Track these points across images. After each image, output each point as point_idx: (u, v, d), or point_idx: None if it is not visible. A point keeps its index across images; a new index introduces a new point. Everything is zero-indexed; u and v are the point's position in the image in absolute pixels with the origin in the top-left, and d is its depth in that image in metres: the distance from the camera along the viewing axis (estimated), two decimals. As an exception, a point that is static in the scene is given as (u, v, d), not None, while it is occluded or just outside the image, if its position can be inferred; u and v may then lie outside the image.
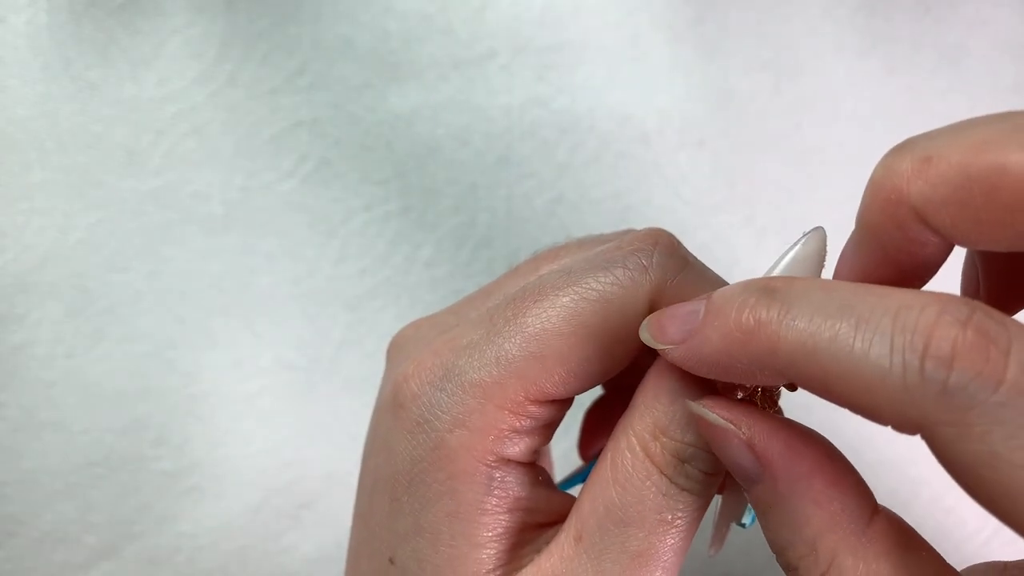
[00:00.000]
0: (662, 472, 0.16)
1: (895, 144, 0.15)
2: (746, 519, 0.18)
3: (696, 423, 0.15)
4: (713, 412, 0.14)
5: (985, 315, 0.11)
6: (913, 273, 0.15)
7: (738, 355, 0.13)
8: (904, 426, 0.12)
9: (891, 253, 0.15)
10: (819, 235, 0.16)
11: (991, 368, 0.11)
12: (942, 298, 0.12)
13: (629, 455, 0.16)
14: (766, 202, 0.38)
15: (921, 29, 0.40)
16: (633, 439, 0.16)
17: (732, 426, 0.14)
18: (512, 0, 0.39)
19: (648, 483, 0.15)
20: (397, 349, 0.20)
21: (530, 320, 0.16)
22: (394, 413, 0.17)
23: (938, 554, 0.14)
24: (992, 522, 0.36)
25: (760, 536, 0.16)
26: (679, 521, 0.16)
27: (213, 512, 0.34)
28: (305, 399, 0.35)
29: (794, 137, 0.39)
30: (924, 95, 0.40)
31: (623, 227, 0.38)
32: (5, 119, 0.35)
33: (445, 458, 0.16)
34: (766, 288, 0.13)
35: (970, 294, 0.18)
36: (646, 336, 0.15)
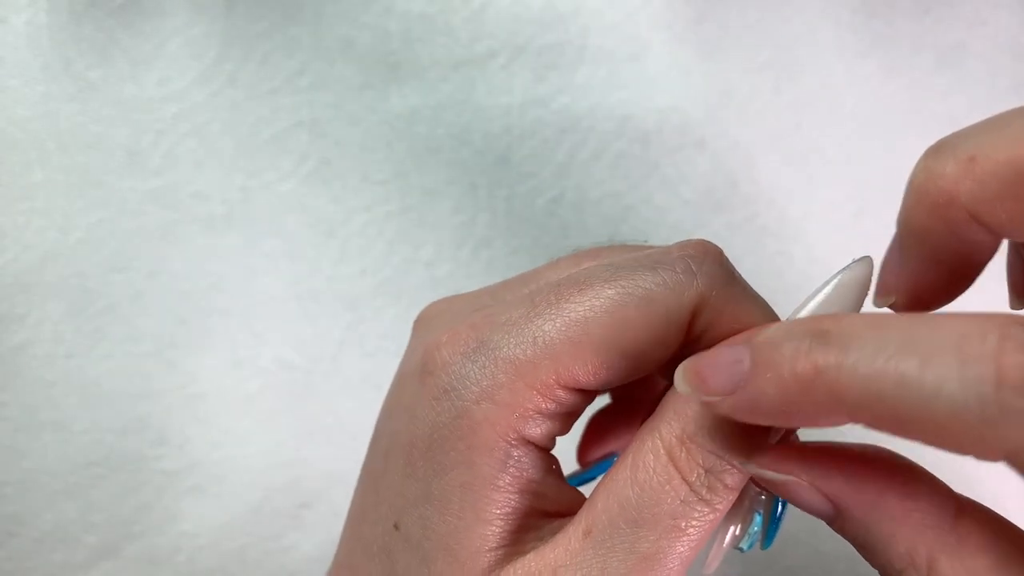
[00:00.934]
0: (684, 479, 0.16)
1: (929, 147, 0.15)
2: (744, 544, 0.18)
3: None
4: (771, 471, 0.14)
5: None
6: (963, 273, 0.16)
7: (800, 404, 0.13)
8: (988, 455, 0.12)
9: (942, 256, 0.15)
10: (866, 264, 0.16)
11: None
12: (997, 321, 0.12)
13: (652, 457, 0.16)
14: (766, 202, 0.38)
15: (920, 29, 0.40)
16: (659, 442, 0.16)
17: (792, 477, 0.14)
18: (512, 0, 0.39)
19: (668, 487, 0.16)
20: (427, 320, 0.20)
21: (573, 306, 0.16)
22: (421, 379, 0.18)
23: None
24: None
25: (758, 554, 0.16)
26: (692, 530, 0.16)
27: (213, 512, 0.34)
28: (305, 399, 0.35)
29: (794, 137, 0.39)
30: (923, 95, 0.40)
31: (623, 227, 0.38)
32: (5, 119, 0.35)
33: (467, 428, 0.16)
34: (817, 332, 0.13)
35: (1019, 286, 0.18)
36: (684, 387, 0.15)
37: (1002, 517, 0.14)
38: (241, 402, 0.35)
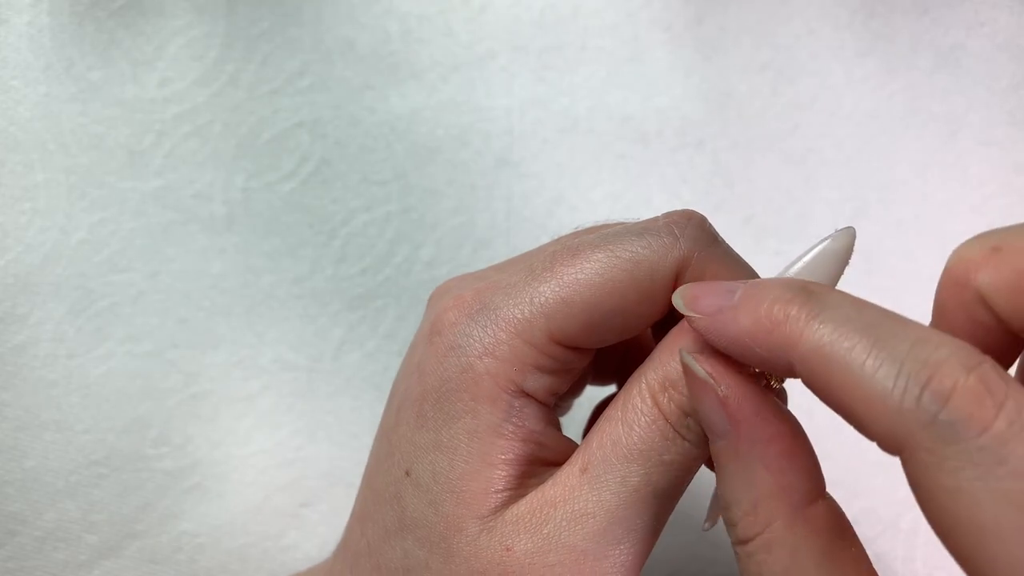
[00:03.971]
0: (667, 420, 0.17)
1: (971, 238, 0.15)
2: None
3: (684, 372, 0.16)
4: (699, 365, 0.16)
5: (991, 368, 0.12)
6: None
7: (759, 341, 0.14)
8: (888, 443, 0.13)
9: (958, 335, 0.15)
10: (849, 233, 0.17)
11: (981, 414, 0.12)
12: (958, 343, 0.13)
13: (639, 400, 0.17)
14: (765, 202, 0.38)
15: (919, 30, 0.40)
16: (644, 387, 0.17)
17: (712, 381, 0.15)
18: (512, 1, 0.39)
19: (654, 427, 0.17)
20: (439, 294, 0.21)
21: (565, 270, 0.18)
22: (430, 339, 0.19)
23: (866, 554, 0.15)
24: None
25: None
26: (676, 465, 0.17)
27: (214, 511, 0.34)
28: (306, 398, 0.35)
29: (793, 137, 0.39)
30: (922, 95, 0.40)
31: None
32: (7, 120, 0.35)
33: (471, 381, 0.18)
34: (804, 289, 0.14)
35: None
36: (678, 301, 0.16)
37: (850, 526, 0.15)
38: (242, 402, 0.35)
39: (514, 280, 0.18)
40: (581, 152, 0.38)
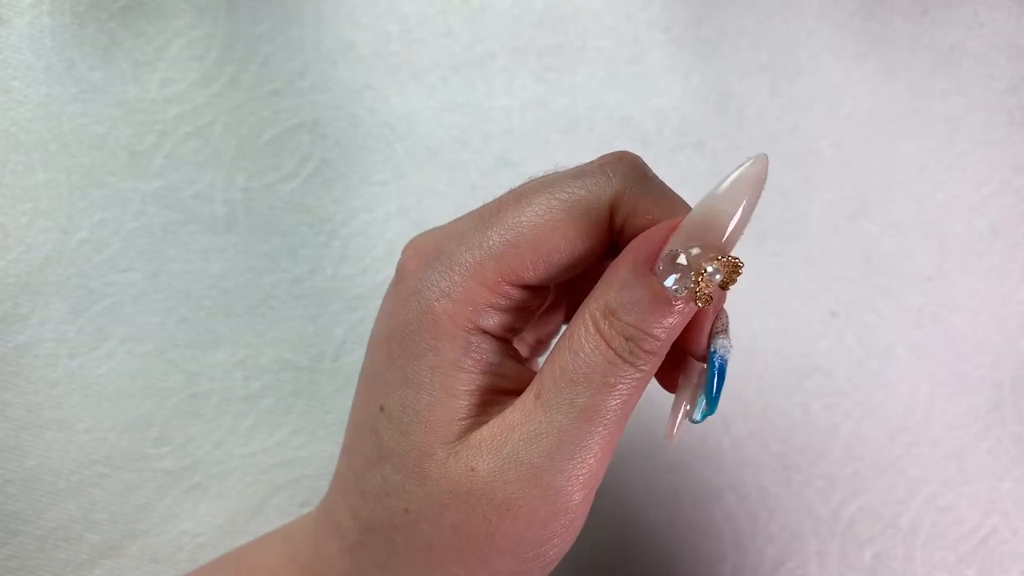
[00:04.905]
0: (609, 345, 0.18)
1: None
2: (696, 415, 0.20)
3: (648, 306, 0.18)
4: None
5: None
6: None
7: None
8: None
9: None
10: (762, 158, 0.18)
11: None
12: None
13: (583, 329, 0.19)
14: (764, 203, 0.38)
15: (918, 30, 0.40)
16: (587, 316, 0.19)
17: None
18: (512, 2, 0.39)
19: (596, 352, 0.18)
20: (406, 247, 0.22)
21: (510, 214, 0.19)
22: (395, 286, 0.21)
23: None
24: (989, 521, 0.36)
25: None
26: (620, 386, 0.19)
27: (215, 510, 0.35)
28: (306, 398, 0.36)
29: (792, 138, 0.39)
30: (921, 96, 0.40)
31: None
32: (8, 120, 0.36)
33: (431, 322, 0.19)
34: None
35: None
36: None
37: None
38: (242, 401, 0.35)
39: (465, 228, 0.20)
40: (581, 152, 0.38)
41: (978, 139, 0.40)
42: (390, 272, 0.37)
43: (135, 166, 0.36)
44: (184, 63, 0.37)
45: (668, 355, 0.20)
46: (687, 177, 0.38)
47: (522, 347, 0.27)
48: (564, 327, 0.26)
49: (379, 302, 0.36)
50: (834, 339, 0.37)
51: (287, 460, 0.35)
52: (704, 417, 0.20)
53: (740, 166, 0.18)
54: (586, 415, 0.18)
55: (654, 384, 0.21)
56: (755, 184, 0.18)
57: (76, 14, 0.36)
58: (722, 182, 0.18)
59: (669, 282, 0.18)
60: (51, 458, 0.34)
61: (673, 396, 0.21)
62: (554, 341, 0.27)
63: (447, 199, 0.37)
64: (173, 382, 0.35)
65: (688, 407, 0.20)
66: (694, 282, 0.18)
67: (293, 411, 0.35)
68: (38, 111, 0.36)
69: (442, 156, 0.38)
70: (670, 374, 0.21)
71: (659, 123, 0.39)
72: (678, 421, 0.20)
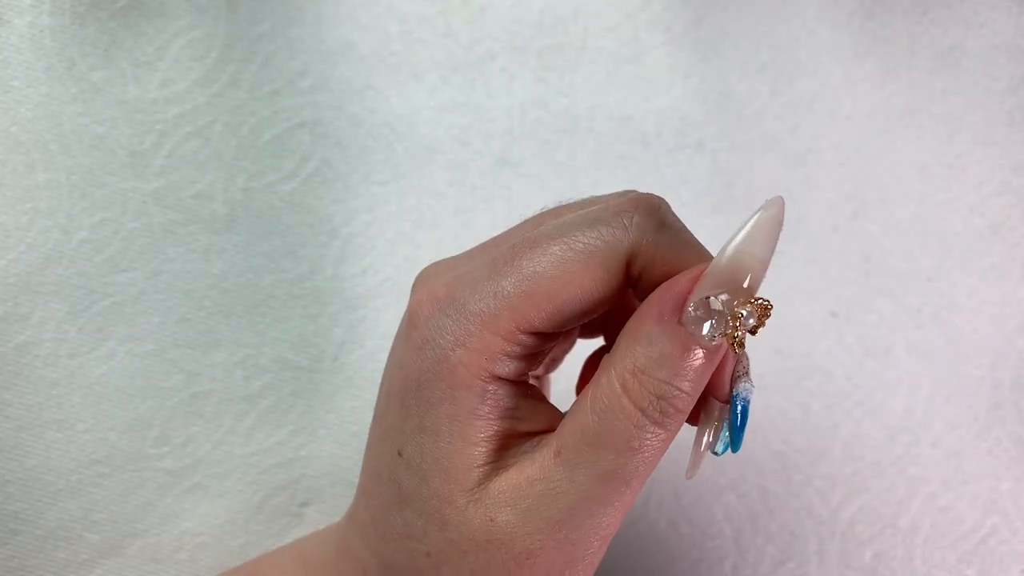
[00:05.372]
0: (636, 406, 0.18)
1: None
2: (718, 448, 0.20)
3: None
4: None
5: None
6: None
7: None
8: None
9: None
10: (778, 201, 0.18)
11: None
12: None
13: (607, 390, 0.18)
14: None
15: (918, 30, 0.40)
16: (614, 377, 0.18)
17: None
18: (512, 2, 0.39)
19: (622, 415, 0.18)
20: (419, 282, 0.22)
21: (525, 264, 0.19)
22: (407, 334, 0.20)
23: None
24: (989, 520, 0.36)
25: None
26: (646, 449, 0.18)
27: (215, 510, 0.35)
28: (307, 398, 0.36)
29: (792, 138, 0.39)
30: (921, 96, 0.40)
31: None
32: (9, 120, 0.36)
33: (447, 371, 0.19)
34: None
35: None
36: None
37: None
38: (243, 401, 0.35)
39: (479, 275, 0.20)
40: (581, 152, 0.38)
41: (978, 139, 0.40)
42: (390, 272, 0.37)
43: (135, 166, 0.36)
44: (184, 63, 0.37)
45: None
46: (687, 177, 0.38)
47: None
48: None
49: (380, 302, 0.37)
50: (834, 339, 0.37)
51: (287, 460, 0.35)
52: (725, 451, 0.20)
53: (758, 210, 0.18)
54: (607, 478, 0.18)
55: None
56: (774, 226, 0.18)
57: (76, 14, 0.36)
58: (742, 227, 0.18)
59: (705, 329, 0.18)
60: (51, 458, 0.34)
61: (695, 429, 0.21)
62: (574, 395, 0.26)
63: (447, 199, 0.37)
64: (173, 382, 0.35)
65: (710, 439, 0.20)
66: (731, 327, 0.18)
67: (293, 411, 0.35)
68: (38, 111, 0.36)
69: (442, 156, 0.38)
70: (693, 409, 0.21)
71: (659, 123, 0.39)
72: (701, 455, 0.20)
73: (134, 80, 0.36)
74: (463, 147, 0.38)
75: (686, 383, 0.18)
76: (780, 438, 0.36)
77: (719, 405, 0.20)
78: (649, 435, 0.18)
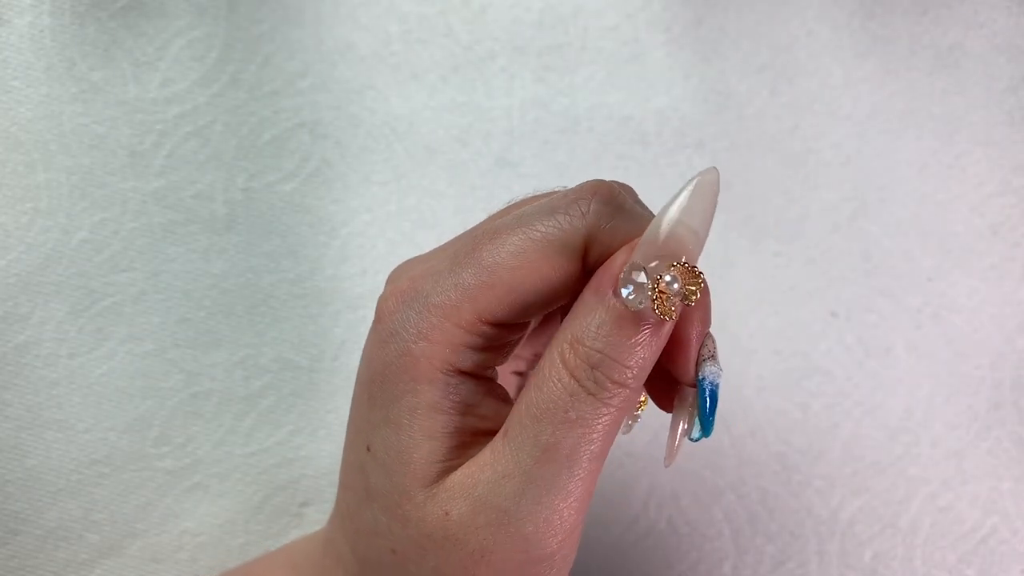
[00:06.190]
0: (572, 375, 0.18)
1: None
2: (695, 434, 0.20)
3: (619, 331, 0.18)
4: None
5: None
6: None
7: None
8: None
9: None
10: (712, 170, 0.18)
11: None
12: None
13: (548, 361, 0.18)
14: (764, 203, 0.38)
15: (918, 30, 0.40)
16: (554, 349, 0.18)
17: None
18: (512, 2, 0.39)
19: (559, 384, 0.18)
20: (390, 279, 0.22)
21: (485, 255, 0.19)
22: (374, 328, 0.20)
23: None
24: (989, 520, 0.36)
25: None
26: (585, 422, 0.18)
27: (215, 510, 0.35)
28: (307, 398, 0.36)
29: (791, 138, 0.39)
30: (921, 96, 0.40)
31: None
32: (9, 120, 0.36)
33: (410, 364, 0.19)
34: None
35: None
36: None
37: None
38: (243, 401, 0.35)
39: (441, 267, 0.19)
40: (581, 152, 0.38)
41: (978, 139, 0.40)
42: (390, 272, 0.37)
43: (135, 166, 0.36)
44: (184, 63, 0.37)
45: (663, 376, 0.20)
46: (687, 177, 0.38)
47: (520, 364, 0.26)
48: None
49: (379, 302, 0.37)
50: (834, 339, 0.37)
51: (287, 460, 0.35)
52: (700, 438, 0.20)
53: (692, 179, 0.18)
54: (549, 455, 0.18)
55: None
56: (708, 194, 0.18)
57: (76, 14, 0.36)
58: (675, 196, 0.18)
59: (624, 293, 0.17)
60: (51, 458, 0.34)
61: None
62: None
63: (447, 199, 0.37)
64: (173, 382, 0.35)
65: (686, 426, 0.20)
66: (652, 290, 0.17)
67: (293, 411, 0.35)
68: (38, 111, 0.36)
69: (442, 156, 0.38)
70: (666, 395, 0.21)
71: (659, 123, 0.39)
72: (677, 442, 0.20)
73: (134, 80, 0.36)
74: (463, 147, 0.38)
75: (623, 353, 0.18)
76: (780, 438, 0.36)
77: (692, 391, 0.20)
78: (586, 407, 0.18)
